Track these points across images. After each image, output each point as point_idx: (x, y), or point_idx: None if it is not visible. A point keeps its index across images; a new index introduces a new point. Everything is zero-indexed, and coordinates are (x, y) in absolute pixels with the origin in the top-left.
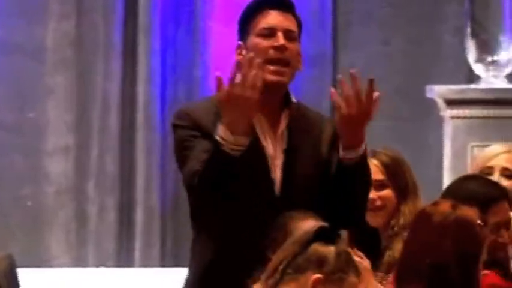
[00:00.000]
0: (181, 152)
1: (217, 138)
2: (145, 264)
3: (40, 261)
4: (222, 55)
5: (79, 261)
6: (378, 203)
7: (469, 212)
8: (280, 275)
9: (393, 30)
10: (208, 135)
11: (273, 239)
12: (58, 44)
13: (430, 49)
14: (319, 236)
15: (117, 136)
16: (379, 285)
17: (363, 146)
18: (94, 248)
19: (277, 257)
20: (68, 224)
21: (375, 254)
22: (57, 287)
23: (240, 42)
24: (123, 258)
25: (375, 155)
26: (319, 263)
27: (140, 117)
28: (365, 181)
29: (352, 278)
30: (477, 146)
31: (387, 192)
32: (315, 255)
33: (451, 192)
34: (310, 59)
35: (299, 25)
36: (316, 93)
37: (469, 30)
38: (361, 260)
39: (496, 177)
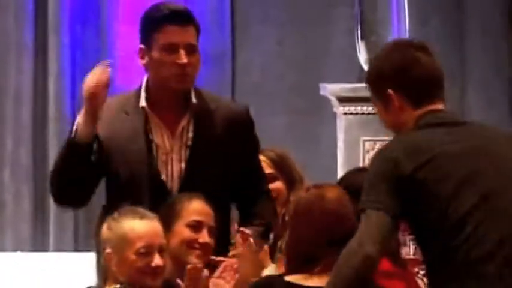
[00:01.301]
0: None
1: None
2: (59, 248)
3: None
4: (127, 52)
5: None
6: (272, 195)
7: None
8: None
9: (288, 30)
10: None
11: (160, 218)
12: None
13: (323, 49)
14: None
15: (29, 128)
16: (272, 264)
17: None
18: (11, 233)
19: None
20: None
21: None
22: None
23: (143, 46)
24: (38, 243)
25: (262, 152)
26: None
27: (51, 110)
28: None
29: None
30: (368, 140)
31: (278, 184)
32: None
33: (344, 184)
34: (210, 57)
35: (198, 32)
36: (217, 91)
37: (359, 32)
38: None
39: None
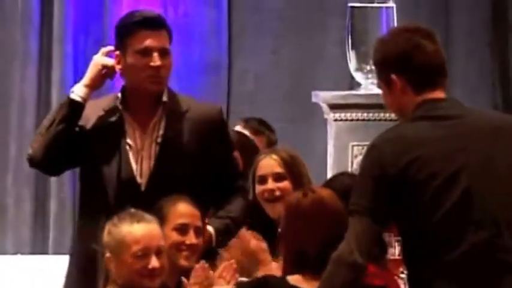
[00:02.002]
0: None
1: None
2: (58, 251)
3: None
4: None
5: None
6: (277, 193)
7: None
8: None
9: (282, 40)
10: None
11: None
12: None
13: (315, 58)
14: None
15: (33, 134)
16: (274, 262)
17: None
18: (11, 236)
19: None
20: None
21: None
22: None
23: (117, 52)
24: (38, 246)
25: (275, 151)
26: None
27: None
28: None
29: None
30: (357, 145)
31: (285, 184)
32: None
33: (328, 186)
34: (207, 66)
35: (171, 37)
36: (213, 97)
37: (349, 41)
38: (259, 242)
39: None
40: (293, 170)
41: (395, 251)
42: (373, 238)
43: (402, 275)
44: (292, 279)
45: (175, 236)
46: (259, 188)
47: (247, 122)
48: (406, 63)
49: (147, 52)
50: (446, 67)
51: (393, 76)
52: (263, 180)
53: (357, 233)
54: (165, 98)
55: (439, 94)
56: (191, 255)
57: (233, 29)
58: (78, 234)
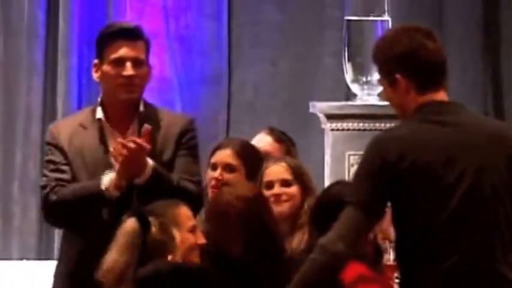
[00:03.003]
0: (45, 160)
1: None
2: None
3: None
4: None
5: (4, 254)
6: (283, 197)
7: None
8: None
9: (281, 52)
10: (60, 147)
11: None
12: None
13: (312, 70)
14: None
15: (38, 144)
16: None
17: (147, 173)
18: (17, 242)
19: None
20: None
21: None
22: None
23: (96, 61)
24: (43, 252)
25: (284, 159)
26: None
27: None
28: (166, 188)
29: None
30: (353, 154)
31: (293, 189)
32: None
33: (325, 195)
34: (208, 77)
35: (148, 47)
36: (213, 107)
37: (346, 54)
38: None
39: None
40: (301, 177)
41: (390, 257)
42: (362, 232)
43: (397, 280)
44: None
45: (191, 238)
46: (266, 193)
47: (272, 130)
48: (411, 62)
49: (120, 61)
50: (447, 65)
51: (398, 76)
52: (270, 186)
53: (348, 224)
54: (141, 108)
55: (442, 96)
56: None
57: (233, 41)
58: (64, 238)
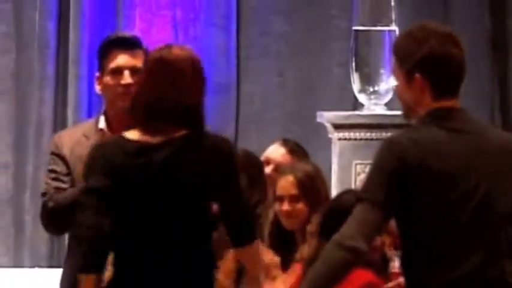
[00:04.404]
0: (48, 169)
1: None
2: None
3: None
4: None
5: (16, 262)
6: (293, 214)
7: None
8: None
9: (288, 63)
10: (62, 157)
11: None
12: (0, 75)
13: (320, 80)
14: None
15: (49, 154)
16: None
17: None
18: (29, 251)
19: None
20: (7, 229)
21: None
22: None
23: (97, 74)
24: (55, 260)
25: (293, 170)
26: None
27: None
28: None
29: None
30: (360, 163)
31: (300, 206)
32: None
33: (334, 204)
34: (217, 88)
35: (147, 56)
36: (222, 118)
37: (353, 64)
38: (272, 258)
39: None
40: (308, 191)
41: (396, 264)
42: (378, 229)
43: None
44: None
45: None
46: (277, 206)
47: (286, 141)
48: (435, 68)
49: (119, 70)
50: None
51: (418, 75)
52: (281, 199)
53: (365, 220)
54: None
55: (455, 103)
56: None
57: (241, 52)
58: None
